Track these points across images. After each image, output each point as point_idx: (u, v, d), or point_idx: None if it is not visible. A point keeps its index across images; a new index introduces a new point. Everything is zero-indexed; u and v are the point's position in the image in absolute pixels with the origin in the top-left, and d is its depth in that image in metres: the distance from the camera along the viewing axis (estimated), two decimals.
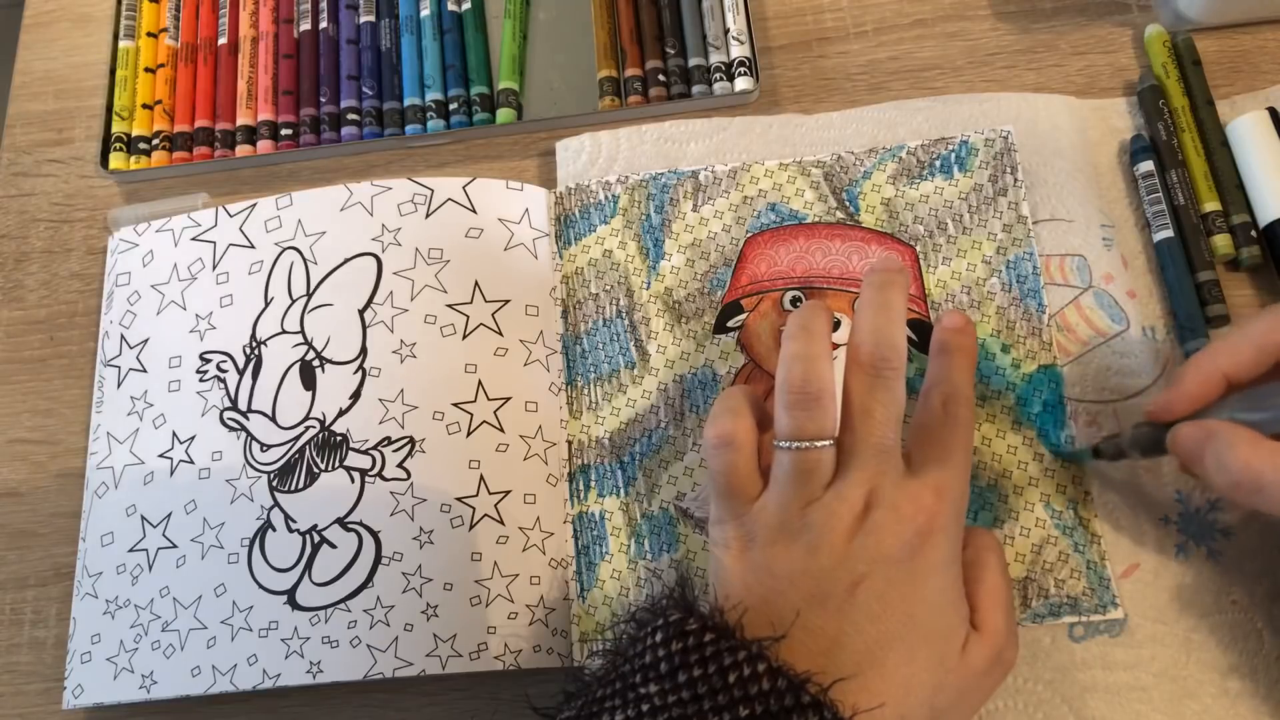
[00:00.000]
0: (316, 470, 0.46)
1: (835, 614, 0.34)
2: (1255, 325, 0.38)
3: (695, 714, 0.31)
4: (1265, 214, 0.45)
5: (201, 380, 0.49)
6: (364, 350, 0.47)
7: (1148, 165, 0.47)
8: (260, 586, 0.45)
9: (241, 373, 0.48)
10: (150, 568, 0.46)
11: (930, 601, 0.35)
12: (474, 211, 0.49)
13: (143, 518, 0.47)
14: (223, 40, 0.58)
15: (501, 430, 0.46)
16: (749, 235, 0.49)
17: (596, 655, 0.43)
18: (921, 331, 0.46)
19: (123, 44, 0.58)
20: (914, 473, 0.37)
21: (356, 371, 0.47)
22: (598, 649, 0.43)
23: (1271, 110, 0.47)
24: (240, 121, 0.56)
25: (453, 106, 0.55)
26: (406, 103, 0.55)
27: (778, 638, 0.33)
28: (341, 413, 0.46)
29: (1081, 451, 0.43)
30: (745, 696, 0.31)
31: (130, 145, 0.56)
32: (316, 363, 0.47)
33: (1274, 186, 0.46)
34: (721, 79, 0.53)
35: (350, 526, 0.45)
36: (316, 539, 0.45)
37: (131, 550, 0.47)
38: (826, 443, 0.36)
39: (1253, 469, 0.34)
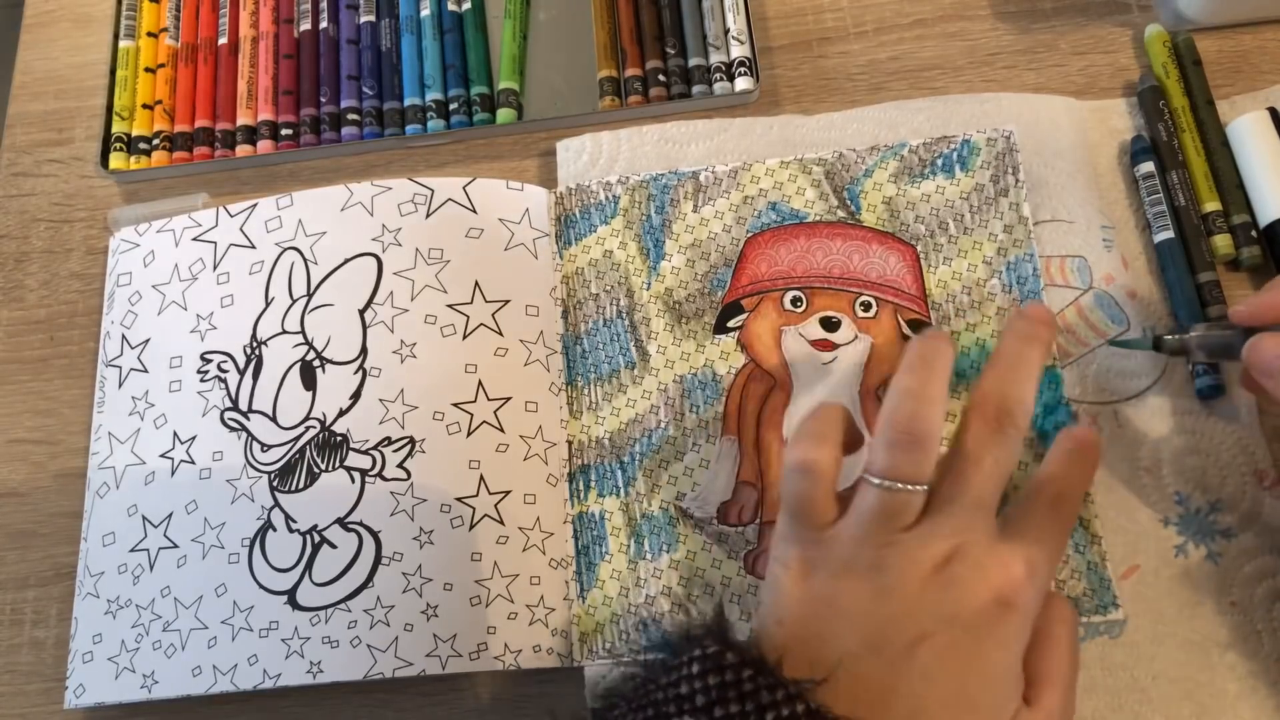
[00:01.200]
0: (317, 470, 0.46)
1: (889, 666, 0.33)
2: None
3: None
4: (1266, 214, 0.45)
5: (202, 380, 0.49)
6: (364, 350, 0.47)
7: (1148, 166, 0.47)
8: (261, 586, 0.45)
9: (242, 373, 0.48)
10: (151, 568, 0.46)
11: (989, 674, 0.33)
12: (474, 211, 0.49)
13: (144, 518, 0.47)
14: (223, 40, 0.58)
15: (502, 430, 0.46)
16: (749, 235, 0.49)
17: (626, 676, 0.41)
18: (919, 330, 0.46)
19: (123, 44, 0.58)
20: (1007, 539, 0.35)
21: (357, 372, 0.47)
22: (626, 668, 0.42)
23: (1272, 110, 0.47)
24: (240, 121, 0.56)
25: (453, 106, 0.55)
26: (407, 103, 0.55)
27: (819, 681, 0.31)
28: (342, 413, 0.46)
29: (1141, 341, 0.42)
30: None
31: (130, 145, 0.56)
32: (317, 363, 0.47)
33: (1274, 186, 0.45)
34: (721, 79, 0.53)
35: (350, 526, 0.45)
36: (317, 539, 0.45)
37: (133, 550, 0.47)
38: (920, 488, 0.34)
39: None
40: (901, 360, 0.36)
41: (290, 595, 0.44)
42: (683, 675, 0.32)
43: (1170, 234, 0.46)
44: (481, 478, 0.45)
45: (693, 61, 0.53)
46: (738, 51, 0.53)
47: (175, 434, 0.48)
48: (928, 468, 0.34)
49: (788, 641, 0.34)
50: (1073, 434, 0.39)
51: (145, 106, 0.57)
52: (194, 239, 0.51)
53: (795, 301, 0.47)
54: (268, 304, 0.49)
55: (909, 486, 0.34)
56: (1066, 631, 0.36)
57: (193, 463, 0.47)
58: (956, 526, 0.34)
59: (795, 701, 0.30)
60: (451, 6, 0.56)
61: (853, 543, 0.35)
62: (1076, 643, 0.36)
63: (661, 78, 0.53)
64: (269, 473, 0.46)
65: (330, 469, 0.46)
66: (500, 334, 0.47)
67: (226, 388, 0.48)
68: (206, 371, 0.49)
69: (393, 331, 0.47)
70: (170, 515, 0.47)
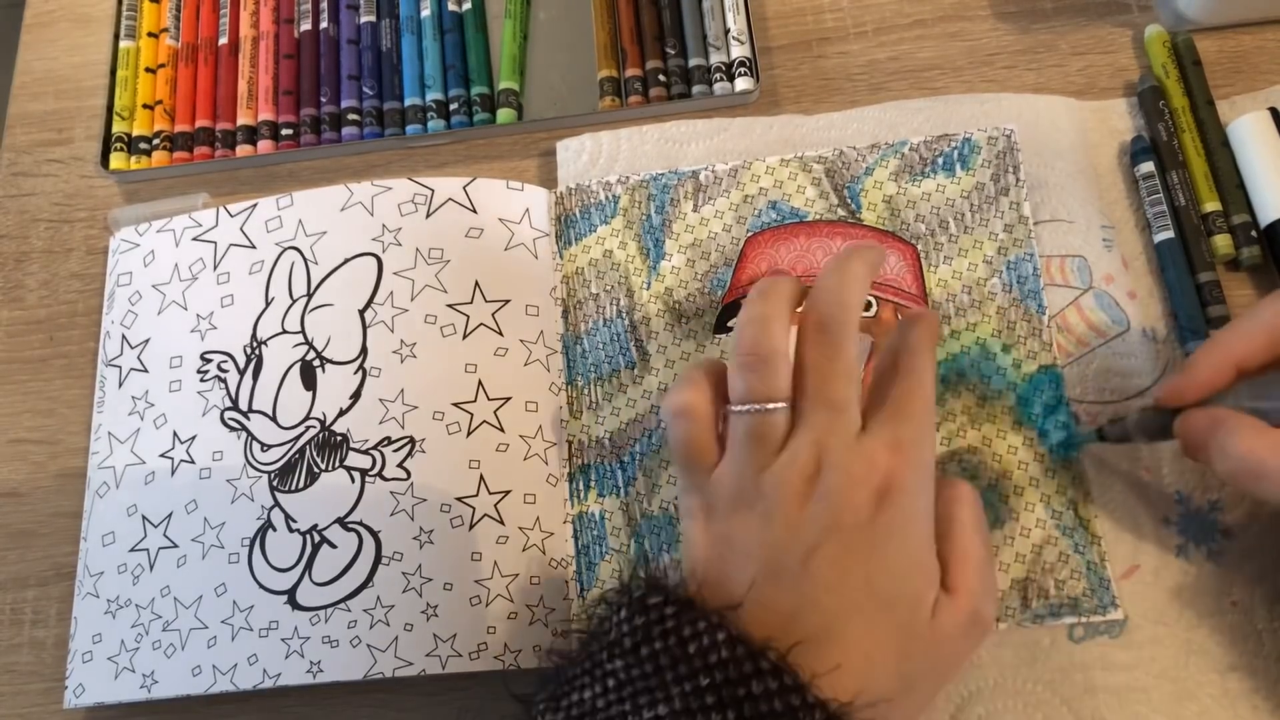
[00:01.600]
0: (317, 470, 0.46)
1: (791, 586, 0.34)
2: (1266, 311, 0.38)
3: (658, 685, 0.31)
4: (1266, 214, 0.45)
5: (202, 380, 0.49)
6: (364, 350, 0.47)
7: (1148, 166, 0.47)
8: (261, 586, 0.45)
9: (242, 373, 0.48)
10: (151, 567, 0.46)
11: (891, 567, 0.34)
12: (474, 211, 0.49)
13: (144, 517, 0.47)
14: (223, 40, 0.58)
15: (502, 430, 0.46)
16: (749, 234, 0.49)
17: (572, 636, 0.43)
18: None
19: (123, 44, 0.58)
20: (867, 431, 0.35)
21: (357, 371, 0.47)
22: (574, 631, 0.43)
23: (1273, 110, 0.47)
24: (240, 121, 0.56)
25: (453, 106, 0.55)
26: (407, 103, 0.55)
27: (734, 607, 0.32)
28: (342, 413, 0.46)
29: (1086, 435, 0.43)
30: (705, 666, 0.31)
31: (131, 145, 0.56)
32: (317, 363, 0.47)
33: (1275, 186, 0.45)
34: (721, 79, 0.53)
35: (350, 526, 0.45)
36: (317, 539, 0.45)
37: (132, 550, 0.47)
38: (779, 405, 0.35)
39: (1255, 456, 0.35)
40: (745, 299, 0.37)
41: (290, 595, 0.44)
42: (613, 623, 0.33)
43: (1170, 234, 0.46)
44: (481, 477, 0.45)
45: (693, 61, 0.53)
46: (738, 51, 0.53)
47: (175, 434, 0.48)
48: (780, 383, 0.35)
49: (700, 585, 0.35)
50: (908, 311, 0.39)
51: (145, 106, 0.57)
52: (194, 239, 0.51)
53: None
54: (268, 304, 0.49)
55: (767, 406, 0.35)
56: (968, 510, 0.37)
57: (193, 462, 0.47)
58: (816, 435, 0.35)
59: (716, 630, 0.31)
60: (452, 6, 0.56)
61: (735, 476, 0.36)
62: (982, 519, 0.37)
63: (661, 78, 0.53)
64: (269, 472, 0.46)
65: (330, 469, 0.46)
66: (500, 334, 0.47)
67: (226, 387, 0.48)
68: (206, 371, 0.49)
69: (393, 331, 0.47)
70: (170, 515, 0.47)
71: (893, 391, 0.36)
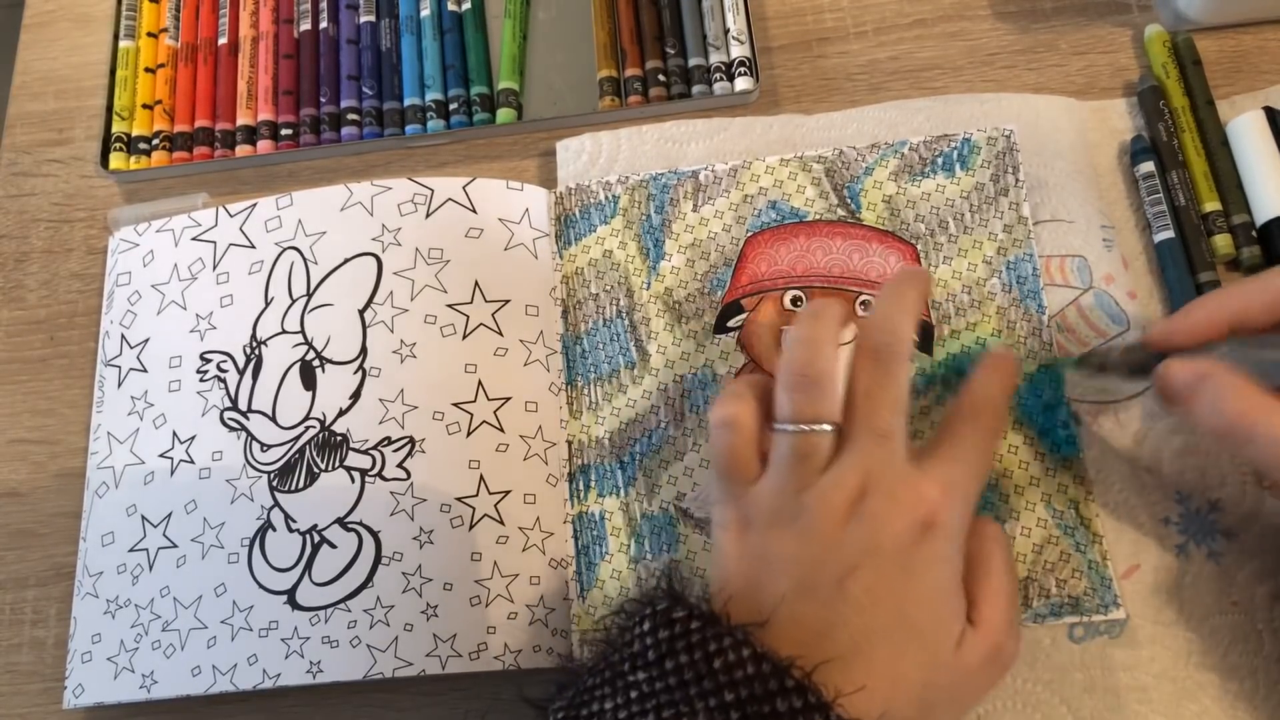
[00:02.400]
0: (316, 470, 0.46)
1: (823, 604, 0.34)
2: (1273, 276, 0.38)
3: (682, 699, 0.31)
4: (1262, 213, 0.45)
5: (202, 380, 0.49)
6: (364, 350, 0.47)
7: (1148, 166, 0.47)
8: (260, 586, 0.45)
9: (242, 373, 0.48)
10: (150, 567, 0.46)
11: (923, 597, 0.35)
12: (474, 211, 0.49)
13: (143, 517, 0.47)
14: (223, 40, 0.58)
15: (501, 430, 0.46)
16: (749, 234, 0.49)
17: (588, 645, 0.43)
18: (922, 332, 0.46)
19: (123, 44, 0.58)
20: (920, 465, 0.36)
21: (356, 371, 0.47)
22: (590, 640, 0.43)
23: (1268, 110, 0.47)
24: (240, 121, 0.56)
25: (453, 106, 0.55)
26: (406, 103, 0.55)
27: (761, 623, 0.33)
28: (341, 413, 0.46)
29: (1065, 361, 0.44)
30: (730, 681, 0.31)
31: (130, 145, 0.56)
32: (316, 363, 0.47)
33: (1270, 185, 0.46)
34: (721, 79, 0.53)
35: (350, 526, 0.45)
36: (316, 539, 0.45)
37: (132, 550, 0.47)
38: (825, 427, 0.36)
39: (1248, 419, 0.34)
40: (795, 318, 0.38)
41: (290, 595, 0.44)
42: (635, 634, 0.33)
43: (1170, 234, 0.46)
44: (481, 477, 0.45)
45: (693, 61, 0.53)
46: (737, 51, 0.53)
47: (174, 434, 0.48)
48: (828, 406, 0.36)
49: (730, 597, 0.35)
50: (988, 353, 0.40)
51: (145, 106, 0.57)
52: (193, 239, 0.51)
53: (795, 301, 0.47)
54: (267, 304, 0.49)
55: (814, 427, 0.35)
56: (999, 550, 0.37)
57: (192, 462, 0.47)
58: (863, 460, 0.35)
59: (741, 646, 0.32)
60: (451, 6, 0.56)
61: (775, 493, 0.36)
62: (1011, 560, 0.38)
63: (661, 78, 0.53)
64: (269, 472, 0.46)
65: (330, 469, 0.46)
66: (500, 334, 0.47)
67: (226, 387, 0.48)
68: (206, 371, 0.49)
69: (392, 331, 0.47)
70: (169, 515, 0.47)
71: (961, 434, 0.37)
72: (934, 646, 0.35)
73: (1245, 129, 0.47)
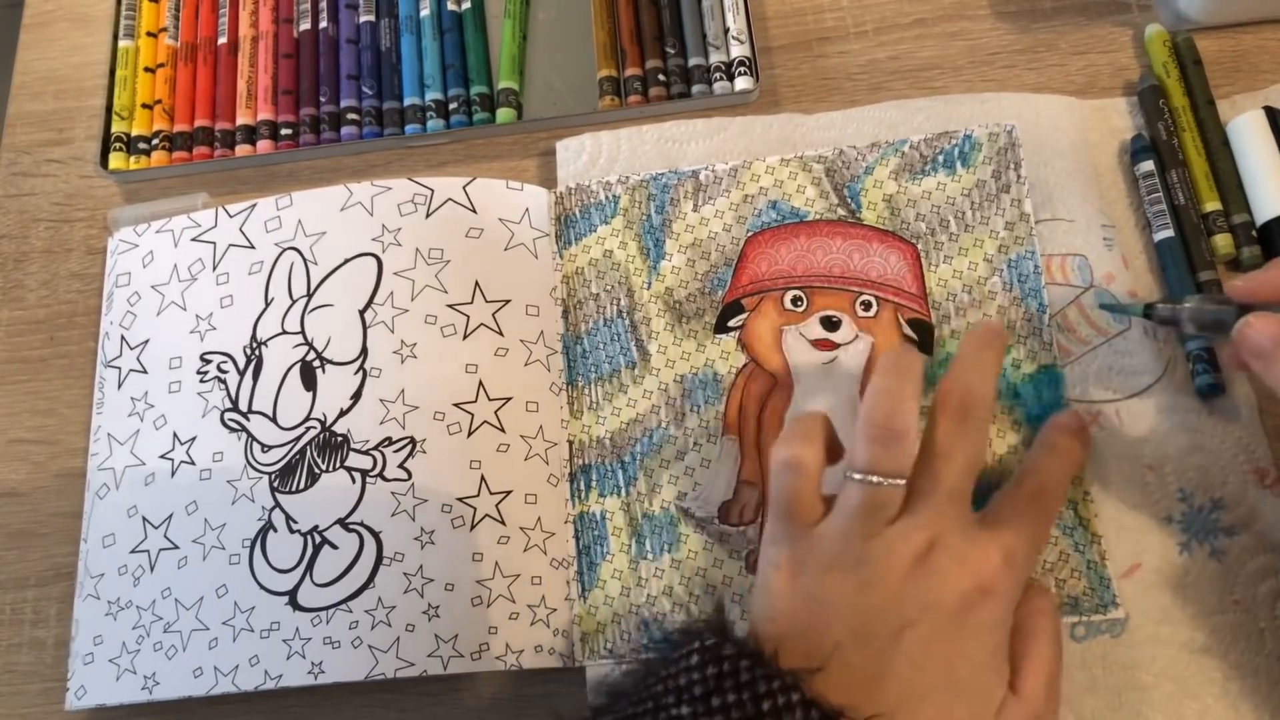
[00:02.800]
0: (317, 471, 0.46)
1: (877, 654, 0.34)
2: None
3: None
4: (1262, 213, 0.45)
5: (202, 381, 0.49)
6: (364, 351, 0.47)
7: (1148, 165, 0.47)
8: (262, 587, 0.45)
9: (242, 373, 0.48)
10: (152, 569, 0.46)
11: (973, 659, 0.35)
12: (474, 211, 0.49)
13: (144, 519, 0.47)
14: (222, 40, 0.58)
15: (502, 430, 0.46)
16: (750, 234, 0.49)
17: (628, 672, 0.42)
18: (921, 331, 0.46)
19: (122, 44, 0.58)
20: (989, 526, 0.37)
21: (357, 372, 0.47)
22: (629, 666, 0.43)
23: (1268, 109, 0.47)
24: (240, 121, 0.56)
25: (452, 106, 0.55)
26: (406, 102, 0.55)
27: (815, 670, 0.33)
28: (342, 413, 0.46)
29: (1133, 306, 0.43)
30: None
31: (130, 145, 0.56)
32: (317, 363, 0.47)
33: (1270, 185, 0.46)
34: (721, 79, 0.53)
35: (351, 527, 0.45)
36: (318, 540, 0.45)
37: (133, 551, 0.47)
38: (900, 482, 0.36)
39: None
40: (876, 366, 0.38)
41: (291, 596, 0.44)
42: (682, 667, 0.33)
43: (1170, 233, 0.46)
44: (482, 478, 0.45)
45: (692, 61, 0.53)
46: (737, 51, 0.53)
47: (175, 435, 0.48)
48: (906, 462, 0.36)
49: (780, 637, 0.35)
50: (1057, 423, 0.41)
51: (145, 106, 0.57)
52: (193, 239, 0.51)
53: (796, 301, 0.47)
54: (267, 304, 0.49)
55: (889, 481, 0.35)
56: (1048, 622, 0.37)
57: (193, 464, 0.47)
58: (934, 518, 0.36)
59: (791, 691, 0.32)
60: (451, 6, 0.56)
61: (838, 538, 0.36)
62: (1059, 632, 0.38)
63: (661, 77, 0.53)
64: (269, 473, 0.46)
65: (331, 469, 0.46)
66: (501, 334, 0.47)
67: (226, 388, 0.48)
68: (206, 372, 0.49)
69: (393, 332, 0.47)
70: (170, 516, 0.47)
71: (1024, 510, 0.38)
72: (977, 709, 0.35)
73: (1245, 129, 0.47)
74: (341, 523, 0.45)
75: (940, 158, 0.49)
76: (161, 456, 0.48)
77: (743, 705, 0.31)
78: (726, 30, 0.53)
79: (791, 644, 0.34)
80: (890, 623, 0.34)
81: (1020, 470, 0.40)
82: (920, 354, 0.39)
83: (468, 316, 0.47)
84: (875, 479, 0.35)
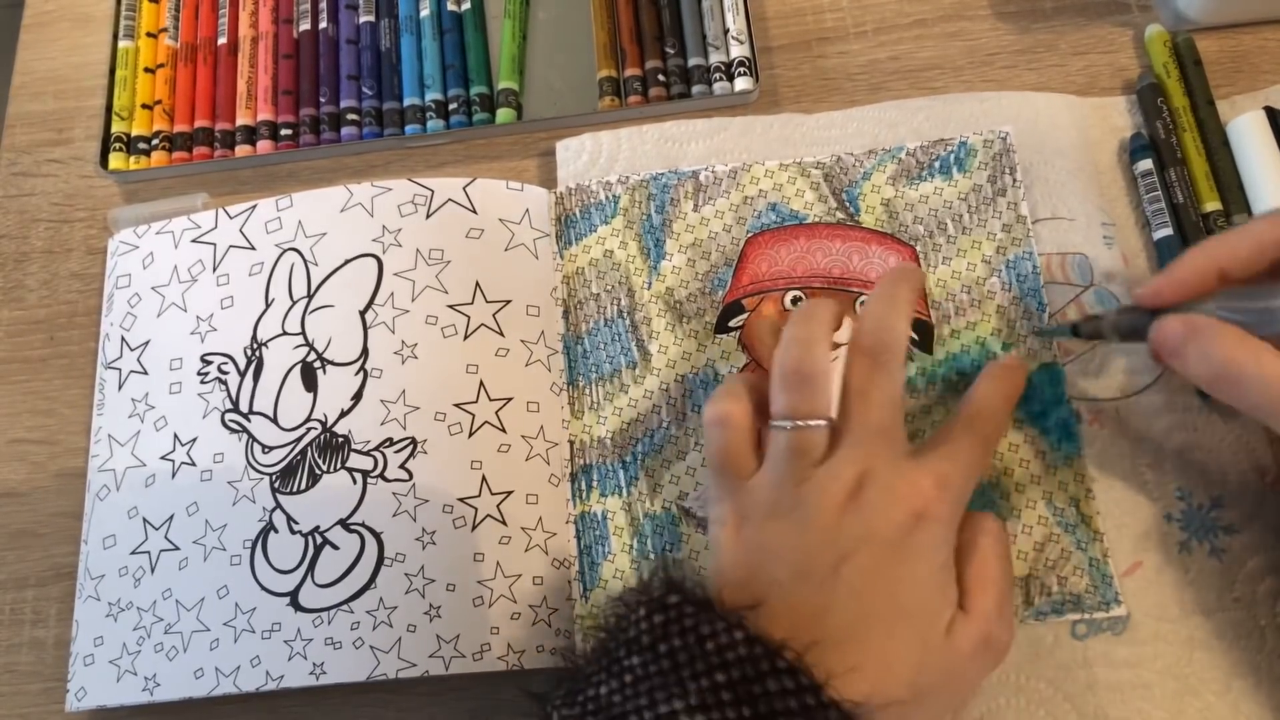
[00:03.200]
0: (318, 472, 0.46)
1: (818, 589, 0.35)
2: (1257, 223, 0.39)
3: (675, 681, 0.32)
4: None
5: (203, 382, 0.49)
6: (365, 351, 0.47)
7: (1146, 164, 0.47)
8: (263, 588, 0.45)
9: (243, 374, 0.48)
10: (152, 570, 0.46)
11: (915, 582, 0.36)
12: (474, 212, 0.49)
13: (144, 520, 0.47)
14: (222, 40, 0.58)
15: (503, 431, 0.46)
16: (750, 235, 0.49)
17: (589, 638, 0.43)
18: (921, 331, 0.46)
19: (122, 44, 0.58)
20: (921, 458, 0.37)
21: (358, 373, 0.47)
22: (590, 633, 0.44)
23: (1268, 109, 0.47)
24: (240, 121, 0.56)
25: (452, 106, 0.55)
26: (406, 103, 0.55)
27: (753, 606, 0.33)
28: (343, 414, 0.46)
29: (1060, 329, 0.44)
30: (722, 663, 0.31)
31: (130, 145, 0.56)
32: (318, 364, 0.47)
33: (1270, 185, 0.46)
34: (721, 79, 0.53)
35: (352, 528, 0.45)
36: (319, 540, 0.45)
37: (134, 553, 0.47)
38: (820, 422, 0.37)
39: (1235, 363, 0.35)
40: (788, 320, 0.39)
41: (292, 597, 0.44)
42: (631, 620, 0.34)
43: (1169, 231, 0.46)
44: (483, 478, 0.45)
45: (692, 61, 0.53)
46: (737, 51, 0.53)
47: (176, 436, 0.48)
48: (823, 402, 0.37)
49: (726, 587, 0.35)
50: (996, 361, 0.42)
51: (145, 106, 0.57)
52: (193, 240, 0.51)
53: (796, 301, 0.47)
54: (268, 305, 0.49)
55: (809, 422, 0.37)
56: (991, 541, 0.38)
57: (193, 465, 0.47)
58: (860, 454, 0.36)
59: (735, 629, 0.32)
60: (451, 6, 0.56)
61: (772, 486, 0.37)
62: (1006, 551, 0.38)
63: (661, 78, 0.53)
64: (270, 474, 0.46)
65: (332, 470, 0.46)
66: (501, 334, 0.47)
67: (227, 389, 0.48)
68: (207, 373, 0.49)
69: (394, 332, 0.47)
70: (171, 517, 0.47)
71: (958, 436, 0.38)
72: (924, 631, 0.35)
73: (1246, 129, 0.47)
74: (343, 523, 0.45)
75: (936, 164, 0.49)
76: (162, 458, 0.48)
77: (689, 648, 0.32)
78: (726, 30, 0.53)
79: (735, 590, 0.35)
80: (828, 557, 0.35)
81: (960, 405, 0.40)
82: (833, 301, 0.40)
83: (468, 317, 0.47)
84: (794, 423, 0.37)
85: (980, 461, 0.39)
